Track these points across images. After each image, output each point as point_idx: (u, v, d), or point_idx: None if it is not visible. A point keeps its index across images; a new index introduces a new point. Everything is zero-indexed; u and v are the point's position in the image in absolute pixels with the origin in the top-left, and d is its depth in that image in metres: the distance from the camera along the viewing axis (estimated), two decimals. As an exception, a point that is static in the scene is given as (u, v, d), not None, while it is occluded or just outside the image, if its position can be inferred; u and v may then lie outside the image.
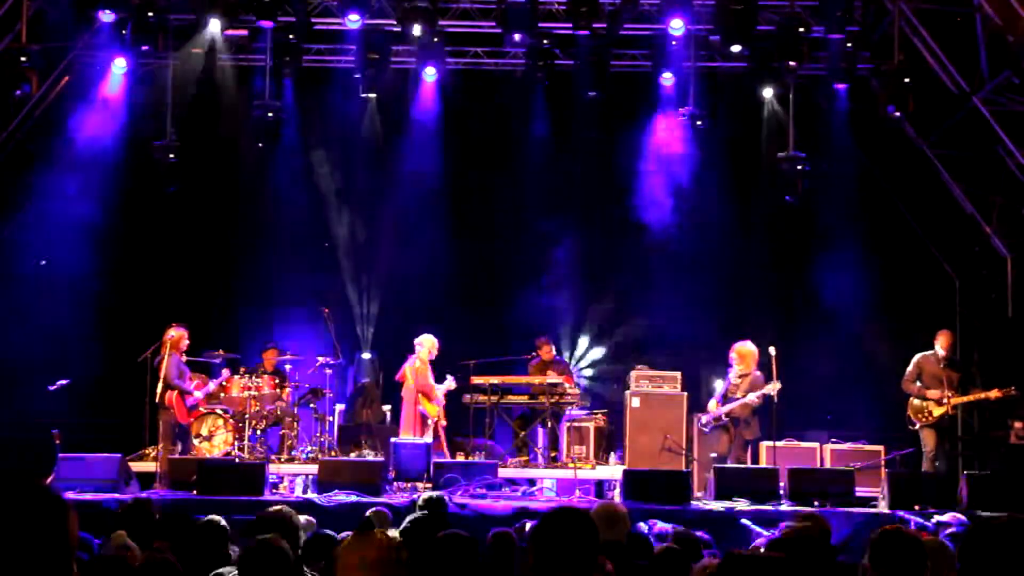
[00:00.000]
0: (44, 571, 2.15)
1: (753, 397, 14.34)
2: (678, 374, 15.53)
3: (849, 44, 15.62)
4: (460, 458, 15.02)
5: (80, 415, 16.01)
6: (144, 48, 15.76)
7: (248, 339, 16.51)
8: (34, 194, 17.65)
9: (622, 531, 5.94)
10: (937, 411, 14.14)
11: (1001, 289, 16.92)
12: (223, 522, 5.67)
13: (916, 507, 12.65)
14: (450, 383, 15.35)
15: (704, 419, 14.77)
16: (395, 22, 15.83)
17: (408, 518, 6.45)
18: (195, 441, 15.05)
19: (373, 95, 16.69)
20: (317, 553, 5.79)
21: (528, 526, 7.88)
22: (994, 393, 14.27)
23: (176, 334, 14.75)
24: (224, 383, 15.37)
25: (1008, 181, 16.09)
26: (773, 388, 14.13)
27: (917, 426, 14.29)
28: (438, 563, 4.73)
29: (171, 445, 14.66)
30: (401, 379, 15.28)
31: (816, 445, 15.10)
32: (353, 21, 15.70)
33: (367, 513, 8.42)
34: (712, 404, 14.75)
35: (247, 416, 15.14)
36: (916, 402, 14.24)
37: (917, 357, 14.42)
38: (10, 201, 17.50)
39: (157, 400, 14.62)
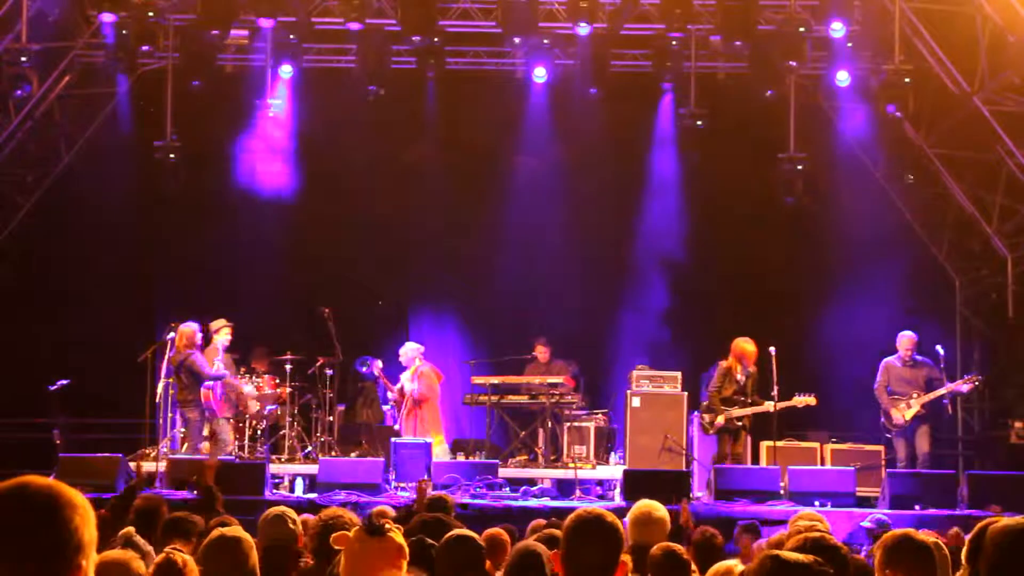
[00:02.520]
0: (41, 569, 2.23)
1: (769, 405, 14.16)
2: (678, 374, 15.51)
3: (849, 44, 15.63)
4: (460, 458, 15.05)
5: (80, 415, 16.01)
6: (144, 48, 15.77)
7: (249, 339, 16.45)
8: (34, 196, 17.69)
9: (661, 534, 5.82)
10: (908, 414, 14.17)
11: (1001, 289, 16.93)
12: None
13: (916, 507, 12.67)
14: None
15: (707, 419, 14.42)
16: (395, 22, 15.84)
17: (413, 519, 6.43)
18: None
19: (373, 93, 16.65)
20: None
21: (532, 525, 7.87)
22: (964, 386, 14.30)
23: (189, 329, 14.64)
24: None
25: (1008, 181, 16.10)
26: (801, 402, 14.15)
27: (892, 433, 14.36)
28: (445, 564, 4.72)
29: (200, 442, 14.60)
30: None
31: (816, 445, 15.09)
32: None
33: (372, 512, 8.39)
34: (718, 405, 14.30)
35: (247, 416, 15.13)
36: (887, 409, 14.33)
37: (884, 363, 14.45)
38: (11, 202, 17.51)
39: (180, 399, 14.62)
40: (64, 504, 2.28)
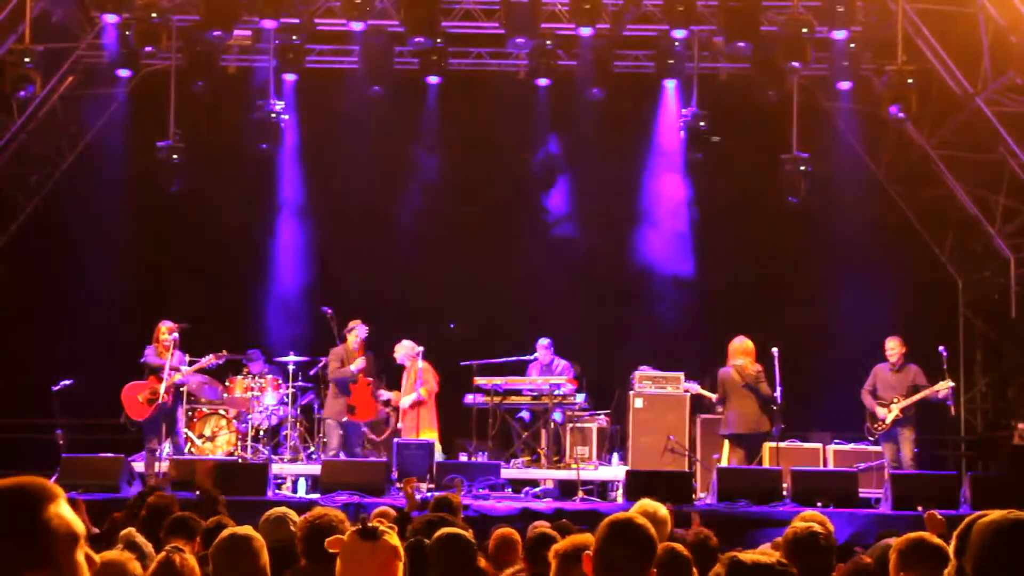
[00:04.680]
0: (22, 561, 2.16)
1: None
2: (681, 375, 15.48)
3: (852, 44, 15.62)
4: (463, 458, 15.04)
5: (82, 415, 16.01)
6: (147, 48, 15.78)
7: (250, 340, 16.45)
8: (37, 196, 17.71)
9: (664, 534, 5.76)
10: (889, 418, 14.17)
11: (1004, 290, 16.92)
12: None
13: (919, 508, 12.63)
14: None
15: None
16: (398, 23, 15.84)
17: (418, 519, 6.43)
18: (198, 441, 15.05)
19: (376, 93, 16.67)
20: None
21: (532, 525, 7.86)
22: (940, 392, 14.22)
23: (162, 327, 14.49)
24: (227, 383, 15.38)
25: (1011, 181, 16.09)
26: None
27: (876, 437, 14.35)
28: (438, 561, 4.71)
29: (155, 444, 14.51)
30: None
31: (819, 446, 15.07)
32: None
33: (370, 515, 8.39)
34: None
35: (250, 416, 15.13)
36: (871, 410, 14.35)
37: (876, 367, 14.45)
38: (14, 202, 17.53)
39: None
40: (27, 507, 2.17)
